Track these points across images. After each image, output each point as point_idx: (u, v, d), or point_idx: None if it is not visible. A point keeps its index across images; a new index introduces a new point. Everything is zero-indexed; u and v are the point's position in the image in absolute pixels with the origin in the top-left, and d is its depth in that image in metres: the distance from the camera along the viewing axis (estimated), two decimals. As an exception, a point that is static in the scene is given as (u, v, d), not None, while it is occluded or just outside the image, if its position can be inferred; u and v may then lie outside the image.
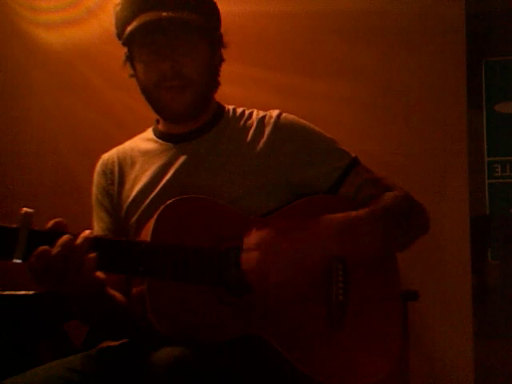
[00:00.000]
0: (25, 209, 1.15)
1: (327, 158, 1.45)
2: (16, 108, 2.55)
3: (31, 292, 1.93)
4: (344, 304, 1.33)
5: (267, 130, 1.45)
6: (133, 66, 1.45)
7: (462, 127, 2.39)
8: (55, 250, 1.13)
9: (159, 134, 1.51)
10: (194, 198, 1.32)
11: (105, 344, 1.42)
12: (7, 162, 2.52)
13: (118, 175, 1.49)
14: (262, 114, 1.49)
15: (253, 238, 1.28)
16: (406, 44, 2.42)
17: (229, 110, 1.53)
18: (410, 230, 1.40)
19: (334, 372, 1.30)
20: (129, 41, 1.41)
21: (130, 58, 1.45)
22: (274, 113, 1.48)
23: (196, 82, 1.40)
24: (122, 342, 1.42)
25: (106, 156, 1.54)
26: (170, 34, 1.37)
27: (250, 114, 1.50)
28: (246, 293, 1.26)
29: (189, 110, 1.42)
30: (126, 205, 1.45)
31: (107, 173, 1.50)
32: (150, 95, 1.43)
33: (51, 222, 1.17)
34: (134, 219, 1.42)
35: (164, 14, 1.35)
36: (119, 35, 1.44)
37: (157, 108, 1.44)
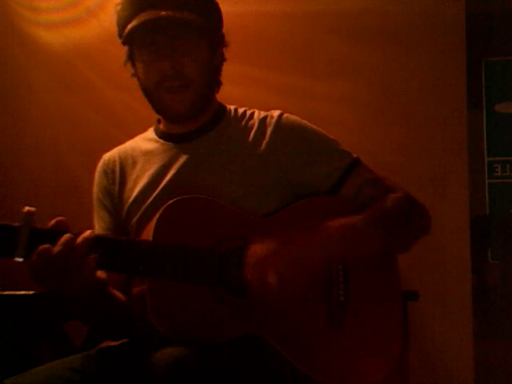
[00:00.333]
0: (27, 207, 1.15)
1: (328, 159, 1.45)
2: (16, 108, 2.56)
3: (31, 292, 1.94)
4: (344, 304, 1.33)
5: (269, 131, 1.45)
6: (134, 66, 1.45)
7: (462, 127, 2.39)
8: (57, 249, 1.13)
9: (160, 134, 1.51)
10: (195, 198, 1.32)
11: (105, 344, 1.42)
12: (7, 161, 2.53)
13: (119, 175, 1.49)
14: (263, 114, 1.49)
15: (255, 238, 1.28)
16: (405, 44, 2.42)
17: (230, 110, 1.52)
18: (410, 231, 1.40)
19: (334, 372, 1.30)
20: (129, 40, 1.41)
21: (130, 58, 1.45)
22: (276, 113, 1.48)
23: (196, 82, 1.40)
24: (121, 341, 1.42)
25: (107, 156, 1.54)
26: (169, 34, 1.37)
27: (252, 115, 1.50)
28: (246, 293, 1.26)
29: (189, 110, 1.42)
30: (127, 205, 1.45)
31: (108, 172, 1.50)
32: (151, 95, 1.43)
33: (53, 221, 1.17)
34: (135, 220, 1.42)
35: (163, 13, 1.35)
36: (120, 34, 1.44)
37: (157, 108, 1.44)
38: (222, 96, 1.54)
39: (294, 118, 1.48)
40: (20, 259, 1.13)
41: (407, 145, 2.39)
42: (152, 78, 1.40)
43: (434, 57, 2.40)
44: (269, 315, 1.28)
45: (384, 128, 2.40)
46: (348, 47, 2.43)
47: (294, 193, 1.43)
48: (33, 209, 1.15)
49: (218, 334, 1.24)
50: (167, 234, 1.26)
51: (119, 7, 1.42)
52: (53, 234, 1.14)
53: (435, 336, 2.35)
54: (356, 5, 2.43)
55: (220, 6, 1.49)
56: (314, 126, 1.49)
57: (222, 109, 1.52)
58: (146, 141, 1.52)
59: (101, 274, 1.25)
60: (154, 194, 1.41)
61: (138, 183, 1.45)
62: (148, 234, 1.27)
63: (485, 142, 4.45)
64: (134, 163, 1.49)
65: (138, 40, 1.40)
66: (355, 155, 1.47)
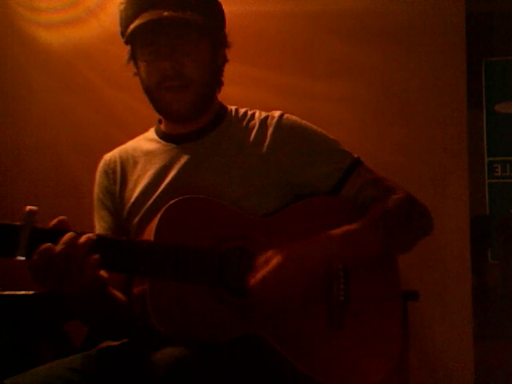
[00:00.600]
0: (28, 206, 1.15)
1: (328, 159, 1.45)
2: (16, 108, 2.55)
3: (31, 292, 1.93)
4: (344, 304, 1.33)
5: (269, 131, 1.45)
6: (136, 65, 1.46)
7: (462, 127, 2.39)
8: (58, 248, 1.13)
9: (161, 135, 1.51)
10: (195, 198, 1.32)
11: (105, 344, 1.42)
12: (7, 161, 2.52)
13: (120, 175, 1.49)
14: (264, 114, 1.49)
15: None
16: (405, 44, 2.42)
17: (231, 110, 1.52)
18: (411, 231, 1.40)
19: (334, 372, 1.30)
20: (130, 39, 1.41)
21: (133, 57, 1.45)
22: (277, 113, 1.48)
23: (197, 82, 1.40)
24: (121, 341, 1.42)
25: (108, 156, 1.54)
26: (170, 34, 1.37)
27: (253, 115, 1.50)
28: (246, 293, 1.26)
29: (190, 110, 1.42)
30: (128, 205, 1.45)
31: (109, 172, 1.50)
32: (152, 94, 1.43)
33: (55, 220, 1.17)
34: (136, 220, 1.42)
35: (166, 13, 1.35)
36: (122, 33, 1.44)
37: (158, 108, 1.44)
38: (222, 96, 1.54)
39: (294, 118, 1.48)
40: (21, 258, 1.13)
41: (407, 145, 2.39)
42: (152, 78, 1.40)
43: (434, 57, 2.40)
44: (269, 315, 1.28)
45: (384, 128, 2.40)
46: (348, 47, 2.43)
47: (295, 193, 1.43)
48: (34, 208, 1.15)
49: (217, 334, 1.24)
50: (168, 234, 1.26)
51: (122, 6, 1.42)
52: (54, 234, 1.14)
53: (435, 336, 2.34)
54: (356, 5, 2.43)
55: (220, 6, 1.49)
56: (315, 127, 1.49)
57: (223, 109, 1.52)
58: (146, 141, 1.52)
59: (101, 273, 1.25)
60: (155, 195, 1.41)
61: (138, 184, 1.45)
62: (149, 234, 1.27)
63: (485, 142, 4.45)
64: (135, 163, 1.49)
65: (140, 39, 1.40)
66: (356, 155, 1.47)
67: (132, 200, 1.44)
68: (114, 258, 1.21)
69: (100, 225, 1.48)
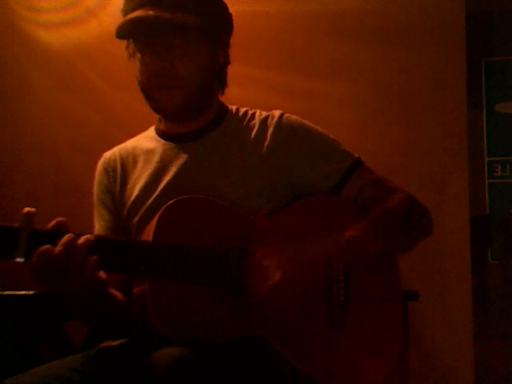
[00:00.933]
0: (26, 208, 1.15)
1: (329, 160, 1.44)
2: (16, 108, 2.55)
3: (31, 292, 1.94)
4: (344, 304, 1.33)
5: (269, 131, 1.45)
6: (134, 62, 1.45)
7: (462, 127, 2.39)
8: (57, 249, 1.13)
9: (161, 133, 1.51)
10: (195, 198, 1.32)
11: (105, 344, 1.42)
12: (7, 161, 2.52)
13: (120, 173, 1.48)
14: (264, 114, 1.49)
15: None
16: (405, 44, 2.42)
17: (232, 110, 1.52)
18: (411, 232, 1.40)
19: (334, 372, 1.30)
20: (121, 35, 1.40)
21: (132, 55, 1.45)
22: (277, 113, 1.48)
23: (188, 83, 1.39)
24: (121, 341, 1.42)
25: (107, 154, 1.54)
26: (164, 34, 1.37)
27: (253, 115, 1.50)
28: (246, 293, 1.26)
29: (180, 110, 1.41)
30: (128, 204, 1.44)
31: (109, 171, 1.50)
32: (146, 92, 1.43)
33: (53, 222, 1.17)
34: (136, 219, 1.42)
35: (152, 12, 1.34)
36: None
37: (152, 105, 1.44)
38: (221, 96, 1.54)
39: (294, 118, 1.48)
40: (21, 260, 1.13)
41: (407, 145, 2.39)
42: (145, 75, 1.40)
43: (434, 57, 2.40)
44: (269, 315, 1.28)
45: (384, 128, 2.40)
46: (348, 47, 2.43)
47: (295, 193, 1.43)
48: (32, 210, 1.15)
49: (217, 333, 1.24)
50: (167, 234, 1.26)
51: (123, 1, 1.43)
52: (53, 235, 1.14)
53: (435, 336, 2.35)
54: (356, 5, 2.43)
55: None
56: (315, 126, 1.49)
57: (224, 109, 1.52)
58: (147, 140, 1.52)
59: (101, 274, 1.25)
60: (155, 194, 1.40)
61: (138, 182, 1.45)
62: (148, 234, 1.27)
63: (485, 142, 4.45)
64: (135, 162, 1.48)
65: (132, 37, 1.40)
66: (357, 155, 1.47)
67: (132, 199, 1.44)
68: (114, 258, 1.21)
69: (100, 224, 1.48)
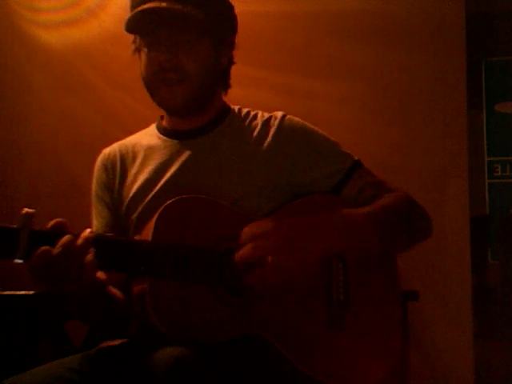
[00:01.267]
0: (25, 209, 1.15)
1: (329, 161, 1.45)
2: (16, 108, 2.56)
3: (31, 292, 1.94)
4: (344, 304, 1.33)
5: (271, 132, 1.45)
6: (140, 57, 1.46)
7: (462, 127, 2.39)
8: (56, 251, 1.13)
9: (162, 130, 1.51)
10: (194, 197, 1.32)
11: (105, 344, 1.42)
12: (7, 162, 2.52)
13: (119, 169, 1.48)
14: (267, 115, 1.49)
15: (251, 236, 1.28)
16: (405, 44, 2.42)
17: (234, 110, 1.53)
18: (410, 231, 1.40)
19: (334, 372, 1.30)
20: (130, 27, 1.41)
21: (138, 49, 1.46)
22: (279, 114, 1.48)
23: (193, 78, 1.40)
24: (121, 341, 1.42)
25: (107, 150, 1.54)
26: (170, 27, 1.38)
27: (255, 115, 1.50)
28: (245, 293, 1.26)
29: (184, 105, 1.42)
30: (126, 201, 1.44)
31: (108, 167, 1.50)
32: (149, 86, 1.43)
33: (52, 222, 1.17)
34: (134, 216, 1.42)
35: (164, 4, 1.36)
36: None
37: (155, 100, 1.45)
38: (220, 96, 1.54)
39: (296, 119, 1.49)
40: (20, 261, 1.13)
41: (407, 145, 2.39)
42: (150, 69, 1.41)
43: (433, 57, 2.40)
44: (269, 315, 1.28)
45: (384, 128, 2.40)
46: (348, 47, 2.43)
47: (295, 193, 1.43)
48: (32, 210, 1.15)
49: (218, 333, 1.24)
50: (166, 233, 1.26)
51: None
52: (52, 236, 1.14)
53: (435, 336, 2.34)
54: (356, 5, 2.43)
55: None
56: (316, 128, 1.49)
57: (226, 108, 1.52)
58: (147, 136, 1.52)
59: (100, 273, 1.25)
60: (154, 191, 1.41)
61: (137, 179, 1.45)
62: (147, 233, 1.27)
63: (485, 142, 4.46)
64: (135, 158, 1.48)
65: (141, 30, 1.41)
66: (356, 157, 1.47)
67: (130, 195, 1.44)
68: (114, 258, 1.21)
69: (98, 220, 1.48)
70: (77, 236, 1.15)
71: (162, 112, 1.50)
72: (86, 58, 2.52)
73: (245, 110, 1.53)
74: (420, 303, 2.14)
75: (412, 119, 2.40)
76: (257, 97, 2.28)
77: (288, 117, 1.48)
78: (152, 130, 1.54)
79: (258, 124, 1.47)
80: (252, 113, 1.52)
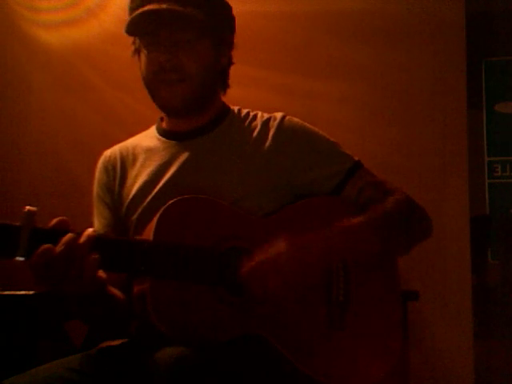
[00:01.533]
0: (27, 207, 1.15)
1: (329, 161, 1.45)
2: (16, 108, 2.56)
3: (31, 292, 1.93)
4: (344, 304, 1.33)
5: (271, 132, 1.45)
6: (139, 58, 1.46)
7: (462, 127, 2.39)
8: (58, 249, 1.13)
9: (162, 132, 1.51)
10: (195, 198, 1.32)
11: (105, 344, 1.42)
12: (7, 161, 2.52)
13: (120, 171, 1.49)
14: (266, 116, 1.49)
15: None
16: (405, 44, 2.42)
17: (234, 110, 1.53)
18: (410, 233, 1.40)
19: (334, 372, 1.31)
20: (131, 30, 1.41)
21: (137, 50, 1.46)
22: (279, 115, 1.48)
23: (193, 78, 1.40)
24: (121, 341, 1.42)
25: (108, 152, 1.54)
26: (171, 27, 1.38)
27: (255, 116, 1.50)
28: (245, 293, 1.26)
29: (184, 105, 1.42)
30: (126, 202, 1.45)
31: (109, 169, 1.50)
32: (149, 87, 1.43)
33: (55, 220, 1.17)
34: (134, 217, 1.42)
35: (165, 6, 1.36)
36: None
37: (155, 101, 1.45)
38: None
39: (296, 120, 1.49)
40: (21, 259, 1.13)
41: (407, 145, 2.39)
42: (150, 69, 1.41)
43: (434, 57, 2.40)
44: (269, 315, 1.28)
45: (384, 128, 2.40)
46: (348, 47, 2.43)
47: (295, 193, 1.43)
48: (34, 208, 1.15)
49: (218, 333, 1.24)
50: (167, 233, 1.26)
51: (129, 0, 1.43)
52: (54, 234, 1.14)
53: (435, 336, 2.34)
54: (356, 5, 2.43)
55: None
56: (316, 129, 1.49)
57: (226, 109, 1.52)
58: (147, 138, 1.53)
59: (101, 273, 1.25)
60: (154, 192, 1.41)
61: (137, 180, 1.45)
62: (148, 233, 1.27)
63: (485, 142, 4.46)
64: (135, 160, 1.49)
65: (141, 31, 1.41)
66: (356, 158, 1.47)
67: (131, 196, 1.44)
68: (115, 257, 1.21)
69: (99, 221, 1.48)
70: (79, 234, 1.15)
71: (162, 113, 1.50)
72: (86, 58, 2.53)
73: (244, 111, 1.53)
74: (420, 303, 2.14)
75: (412, 119, 2.41)
76: (257, 97, 2.28)
77: (288, 117, 1.48)
78: (152, 131, 1.54)
79: (257, 124, 1.47)
80: (252, 113, 1.52)
